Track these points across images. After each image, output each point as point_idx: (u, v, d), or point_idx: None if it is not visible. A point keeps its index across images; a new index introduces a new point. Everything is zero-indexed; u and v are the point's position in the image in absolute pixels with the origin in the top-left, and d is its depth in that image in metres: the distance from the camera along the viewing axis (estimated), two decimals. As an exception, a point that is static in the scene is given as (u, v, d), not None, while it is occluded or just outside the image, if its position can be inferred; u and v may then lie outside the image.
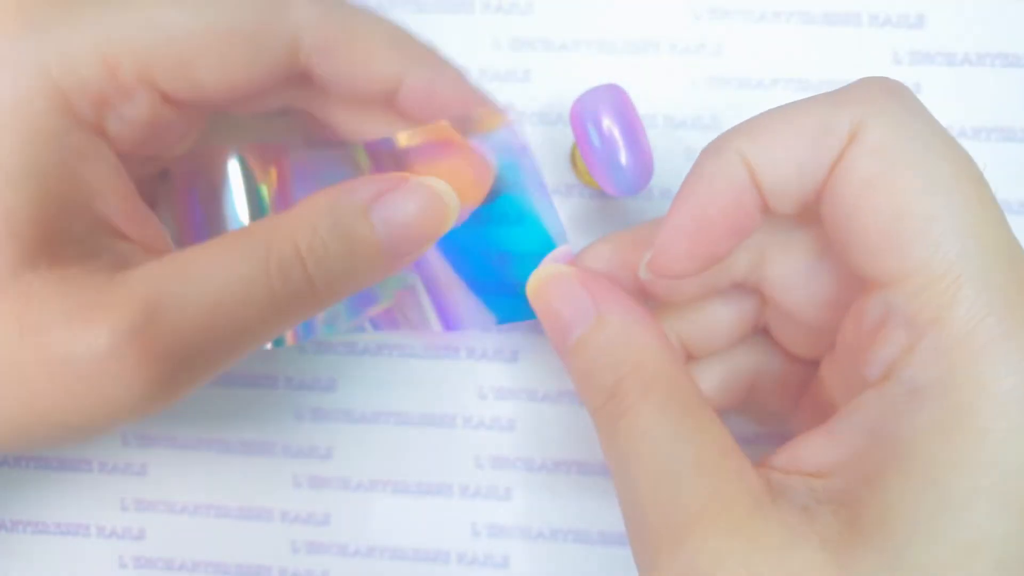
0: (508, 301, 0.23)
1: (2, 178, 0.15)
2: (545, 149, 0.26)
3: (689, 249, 0.18)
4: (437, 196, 0.18)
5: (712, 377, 0.22)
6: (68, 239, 0.16)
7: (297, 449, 0.26)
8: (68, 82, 0.16)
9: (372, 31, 0.19)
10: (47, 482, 0.27)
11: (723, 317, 0.21)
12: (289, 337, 0.23)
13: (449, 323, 0.24)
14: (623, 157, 0.22)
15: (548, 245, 0.22)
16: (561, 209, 0.26)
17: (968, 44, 0.25)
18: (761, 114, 0.18)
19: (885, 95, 0.17)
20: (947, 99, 0.25)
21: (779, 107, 0.17)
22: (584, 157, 0.22)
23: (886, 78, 0.17)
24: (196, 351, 0.17)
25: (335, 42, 0.18)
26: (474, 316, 0.23)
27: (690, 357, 0.22)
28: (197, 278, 0.16)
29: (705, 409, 0.17)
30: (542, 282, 0.20)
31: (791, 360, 0.22)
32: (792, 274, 0.19)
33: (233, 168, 0.22)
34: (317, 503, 0.26)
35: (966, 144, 0.25)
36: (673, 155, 0.26)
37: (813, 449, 0.17)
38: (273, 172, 0.23)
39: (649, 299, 0.21)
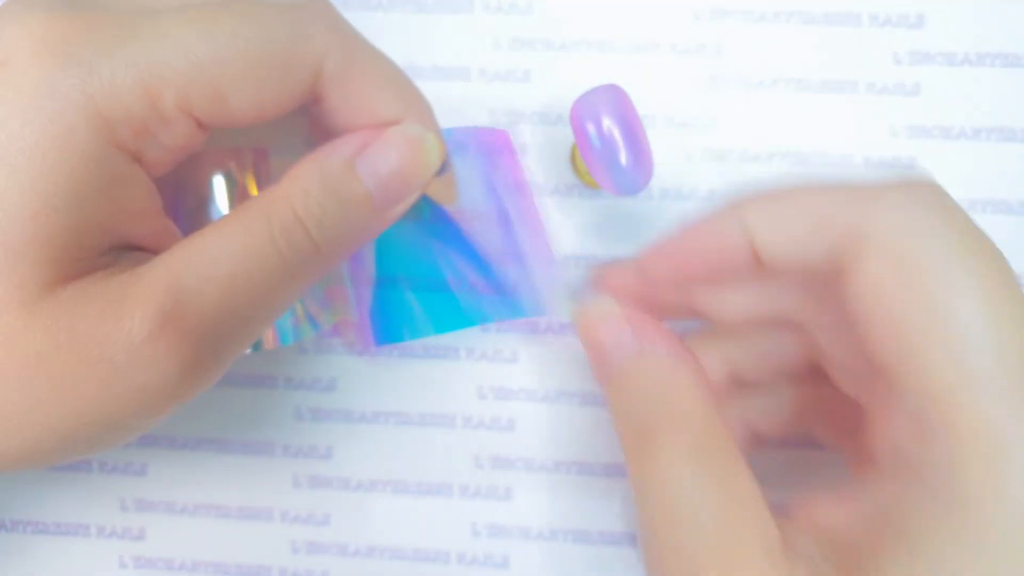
0: (493, 300, 0.23)
1: (48, 207, 0.16)
2: (545, 149, 0.26)
3: (668, 270, 0.19)
4: (416, 141, 0.19)
5: (763, 406, 0.22)
6: (98, 254, 0.17)
7: (297, 449, 0.26)
8: (113, 113, 0.17)
9: (379, 68, 0.20)
10: (47, 482, 0.27)
11: (774, 347, 0.21)
12: (269, 340, 0.23)
13: (380, 335, 0.24)
14: (623, 157, 0.22)
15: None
16: (561, 209, 0.26)
17: (968, 44, 0.25)
18: (775, 187, 0.18)
19: (900, 192, 0.17)
20: (947, 99, 0.25)
21: (793, 184, 0.18)
22: (584, 157, 0.22)
23: (915, 181, 0.17)
24: (221, 327, 0.17)
25: (348, 73, 0.19)
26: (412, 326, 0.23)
27: (741, 384, 0.22)
28: (210, 258, 0.17)
29: (733, 456, 0.17)
30: (590, 316, 0.21)
31: (844, 398, 0.21)
32: (832, 323, 0.19)
33: (218, 183, 0.22)
34: (317, 503, 0.26)
35: (966, 144, 0.26)
36: (673, 155, 0.26)
37: (827, 509, 0.17)
38: (251, 177, 0.23)
39: (701, 318, 0.21)
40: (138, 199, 0.18)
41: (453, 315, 0.23)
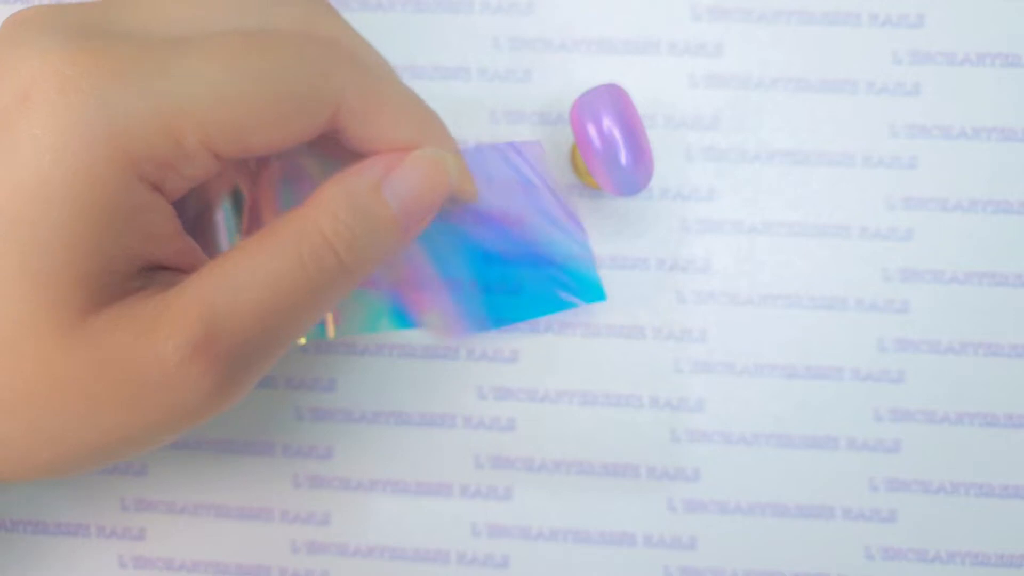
0: (508, 300, 0.23)
1: (79, 239, 0.17)
2: (545, 149, 0.26)
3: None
4: (438, 164, 0.20)
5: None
6: (127, 279, 0.18)
7: (297, 449, 0.26)
8: (137, 150, 0.17)
9: (398, 100, 0.20)
10: (47, 482, 0.27)
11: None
12: (330, 330, 0.24)
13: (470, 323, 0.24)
14: (623, 157, 0.22)
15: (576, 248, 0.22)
16: (561, 209, 0.26)
17: (968, 44, 0.25)
18: None
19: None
20: (947, 99, 0.25)
21: None
22: (584, 157, 0.22)
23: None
24: (252, 349, 0.18)
25: (367, 107, 0.20)
26: (465, 322, 0.24)
27: None
28: (240, 284, 0.18)
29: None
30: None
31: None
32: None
33: (226, 204, 0.23)
34: (317, 503, 0.26)
35: (966, 144, 0.26)
36: (673, 155, 0.26)
37: None
38: (255, 186, 0.23)
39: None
40: (160, 224, 0.18)
41: (502, 311, 0.23)
